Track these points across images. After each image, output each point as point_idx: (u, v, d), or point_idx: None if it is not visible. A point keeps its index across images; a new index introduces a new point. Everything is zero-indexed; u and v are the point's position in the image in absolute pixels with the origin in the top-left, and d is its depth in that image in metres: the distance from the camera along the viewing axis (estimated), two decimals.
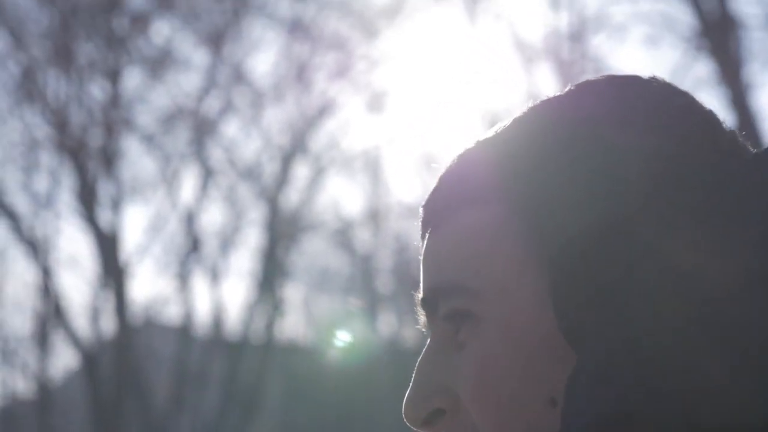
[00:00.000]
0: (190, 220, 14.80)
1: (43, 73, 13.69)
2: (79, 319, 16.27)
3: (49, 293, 13.97)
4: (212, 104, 14.67)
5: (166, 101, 14.40)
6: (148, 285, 18.65)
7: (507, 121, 0.79)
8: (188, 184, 15.39)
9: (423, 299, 0.79)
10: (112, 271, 13.73)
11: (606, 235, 0.68)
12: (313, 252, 18.10)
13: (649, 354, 0.62)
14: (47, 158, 14.24)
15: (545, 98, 0.79)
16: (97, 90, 13.94)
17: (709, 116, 0.77)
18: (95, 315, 14.10)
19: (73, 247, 18.26)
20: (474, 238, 0.76)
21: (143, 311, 15.16)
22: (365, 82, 14.95)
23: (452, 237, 0.77)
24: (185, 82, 14.56)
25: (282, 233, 15.27)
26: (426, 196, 0.82)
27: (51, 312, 14.09)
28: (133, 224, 28.76)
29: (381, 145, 18.33)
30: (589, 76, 0.80)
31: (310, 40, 14.63)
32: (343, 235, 17.81)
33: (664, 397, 0.60)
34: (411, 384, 0.77)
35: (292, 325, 18.69)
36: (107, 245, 13.68)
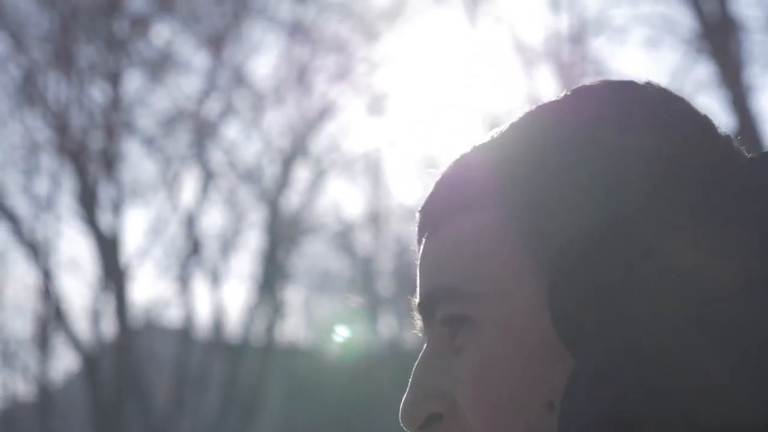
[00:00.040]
0: (190, 222, 14.79)
1: (43, 76, 13.69)
2: (80, 322, 16.31)
3: (50, 296, 13.96)
4: (213, 107, 14.67)
5: (167, 104, 14.41)
6: (149, 287, 18.70)
7: (504, 126, 0.80)
8: (189, 187, 15.36)
9: (420, 304, 0.79)
10: (113, 273, 13.72)
11: (606, 236, 0.69)
12: (313, 254, 18.11)
13: (649, 354, 0.62)
14: (48, 161, 14.25)
15: (542, 103, 0.80)
16: (97, 93, 13.95)
17: (705, 120, 0.77)
18: (96, 317, 14.10)
19: (74, 250, 18.19)
20: (472, 241, 0.76)
21: (144, 314, 15.16)
22: (366, 85, 14.96)
23: (450, 241, 0.77)
24: (185, 85, 14.56)
25: (282, 236, 15.26)
26: (423, 201, 0.82)
27: (51, 314, 14.08)
28: (134, 227, 28.69)
29: (381, 148, 18.26)
30: (587, 80, 0.80)
31: (310, 43, 14.63)
32: (343, 238, 17.80)
33: (664, 397, 0.60)
34: (408, 388, 0.77)
35: (293, 328, 18.72)
36: (108, 248, 13.68)
